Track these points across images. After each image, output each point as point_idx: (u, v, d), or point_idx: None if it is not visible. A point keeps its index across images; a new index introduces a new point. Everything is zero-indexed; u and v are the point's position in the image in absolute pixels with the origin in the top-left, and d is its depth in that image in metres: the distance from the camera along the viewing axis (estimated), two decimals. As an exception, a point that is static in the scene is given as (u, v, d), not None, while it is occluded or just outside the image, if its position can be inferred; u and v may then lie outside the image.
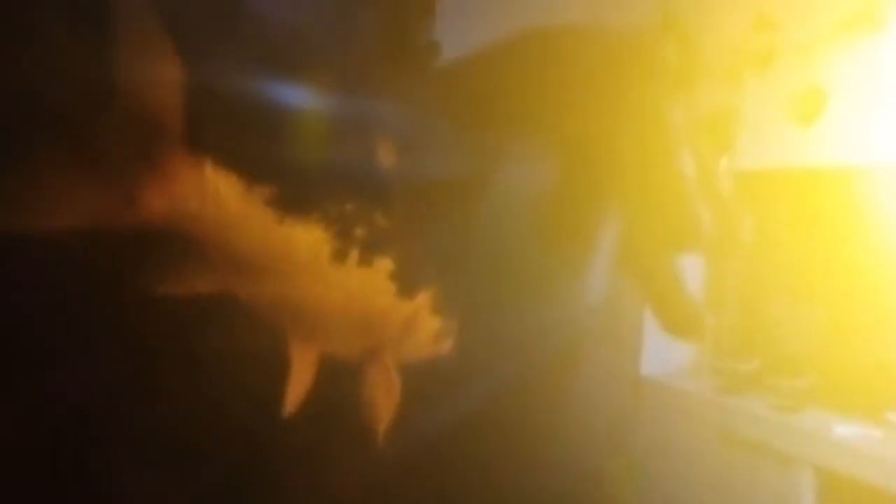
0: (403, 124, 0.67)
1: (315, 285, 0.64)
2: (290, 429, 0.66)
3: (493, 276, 0.71)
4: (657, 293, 0.77)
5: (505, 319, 0.73)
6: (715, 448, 1.41)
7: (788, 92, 1.46)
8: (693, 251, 0.65)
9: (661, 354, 1.57)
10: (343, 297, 0.66)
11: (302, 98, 0.61)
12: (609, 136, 0.70)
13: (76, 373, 0.59)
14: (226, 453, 0.66)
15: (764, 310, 1.46)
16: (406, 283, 0.64)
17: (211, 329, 0.63)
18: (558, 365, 0.77)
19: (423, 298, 0.68)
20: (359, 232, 0.61)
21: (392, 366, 0.69)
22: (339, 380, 0.65)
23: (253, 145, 0.56)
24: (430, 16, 0.78)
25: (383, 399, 0.71)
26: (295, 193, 0.58)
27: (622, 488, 0.87)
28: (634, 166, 0.70)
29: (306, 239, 0.61)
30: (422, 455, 0.70)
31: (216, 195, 0.56)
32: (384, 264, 0.64)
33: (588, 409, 0.81)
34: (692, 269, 1.49)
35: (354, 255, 0.61)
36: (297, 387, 0.68)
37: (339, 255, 0.61)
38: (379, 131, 0.66)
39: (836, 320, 1.36)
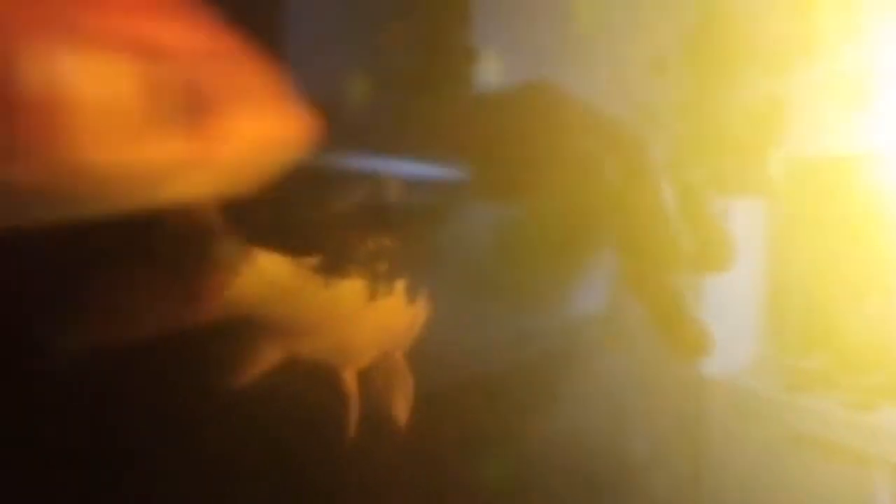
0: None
1: (356, 325, 0.68)
2: (353, 452, 0.68)
3: (479, 285, 0.74)
4: (657, 314, 0.80)
5: (490, 325, 0.76)
6: (785, 449, 1.36)
7: (837, 78, 1.42)
8: (681, 272, 0.67)
9: (724, 354, 1.53)
10: (375, 326, 0.70)
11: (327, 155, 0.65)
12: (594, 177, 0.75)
13: (177, 483, 0.63)
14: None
15: (829, 303, 1.40)
16: (413, 293, 0.67)
17: (279, 392, 0.67)
18: (550, 371, 0.80)
19: (422, 299, 0.71)
20: (381, 266, 0.64)
21: (404, 363, 0.73)
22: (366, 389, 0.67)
23: (287, 217, 0.59)
24: (465, 22, 0.81)
25: (402, 394, 0.74)
26: (333, 256, 0.61)
27: (628, 497, 0.86)
28: (619, 199, 0.75)
29: (349, 291, 0.65)
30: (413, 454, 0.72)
31: (271, 278, 0.60)
32: (400, 285, 0.67)
33: (585, 416, 0.81)
34: (753, 260, 1.46)
35: (382, 288, 0.65)
36: (354, 410, 0.72)
37: (372, 294, 0.64)
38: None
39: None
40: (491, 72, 0.83)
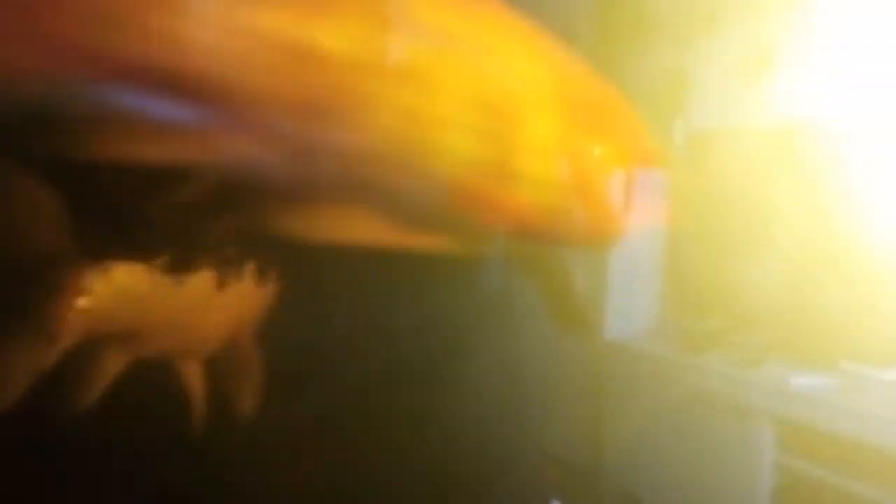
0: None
1: (204, 316, 0.69)
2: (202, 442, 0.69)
3: (373, 270, 0.74)
4: (547, 290, 0.82)
5: (385, 309, 0.77)
6: (680, 406, 1.45)
7: (736, 52, 1.48)
8: (573, 246, 0.69)
9: (624, 319, 1.61)
10: (223, 314, 0.70)
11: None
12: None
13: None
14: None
15: (723, 268, 1.49)
16: (262, 274, 0.67)
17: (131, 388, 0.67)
18: (445, 352, 0.81)
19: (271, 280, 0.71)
20: (229, 252, 0.64)
21: (252, 346, 0.74)
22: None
23: (131, 221, 0.57)
24: None
25: (248, 380, 0.75)
26: (180, 251, 0.61)
27: (532, 474, 0.90)
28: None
29: (199, 283, 0.65)
30: (299, 439, 0.74)
31: (125, 289, 0.59)
32: (251, 268, 0.67)
33: (480, 395, 0.84)
34: (654, 229, 1.53)
35: (232, 273, 0.65)
36: (197, 400, 0.72)
37: (222, 282, 0.64)
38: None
39: (791, 274, 1.40)
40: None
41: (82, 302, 0.58)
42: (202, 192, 0.67)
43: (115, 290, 0.61)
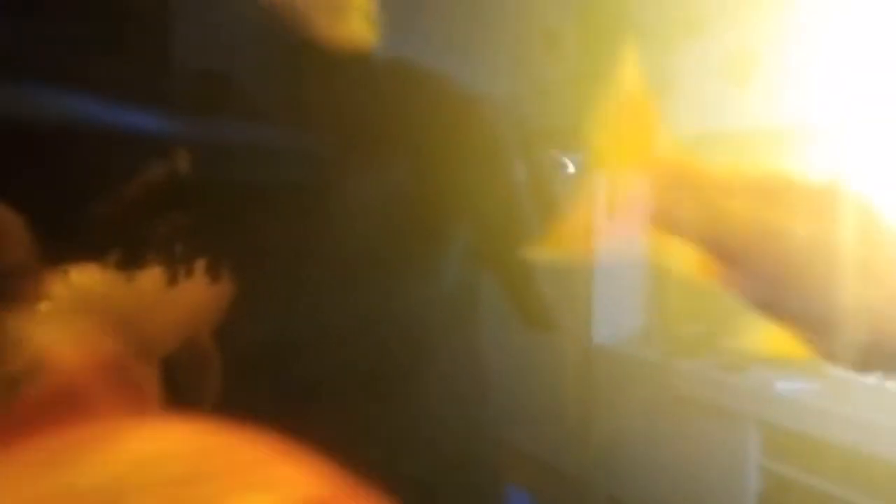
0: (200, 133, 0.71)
1: (155, 311, 0.69)
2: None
3: (338, 265, 0.74)
4: (509, 288, 0.82)
5: (350, 304, 0.77)
6: (666, 408, 1.46)
7: (721, 55, 1.48)
8: (531, 248, 0.69)
9: (612, 324, 1.61)
10: (176, 311, 0.70)
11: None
12: (452, 154, 0.76)
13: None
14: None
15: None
16: (217, 271, 0.67)
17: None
18: (407, 349, 0.81)
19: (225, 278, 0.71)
20: (177, 248, 0.64)
21: (210, 346, 0.73)
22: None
23: (82, 219, 0.57)
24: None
25: (206, 380, 0.75)
26: (128, 247, 0.60)
27: (492, 475, 0.89)
28: (474, 176, 0.77)
29: (148, 280, 0.65)
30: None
31: (82, 289, 0.59)
32: (201, 264, 0.67)
33: (443, 392, 0.83)
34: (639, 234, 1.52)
35: (181, 271, 0.65)
36: (151, 406, 0.71)
37: (172, 279, 0.64)
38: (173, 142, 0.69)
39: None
40: (381, 49, 0.81)
41: (44, 307, 0.58)
42: (149, 190, 0.67)
43: (72, 292, 0.60)
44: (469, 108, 0.81)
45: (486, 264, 0.83)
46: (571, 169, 1.45)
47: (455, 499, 0.84)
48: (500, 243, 0.81)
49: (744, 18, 1.45)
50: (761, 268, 0.54)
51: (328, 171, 0.74)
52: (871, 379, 1.34)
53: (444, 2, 1.39)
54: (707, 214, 0.54)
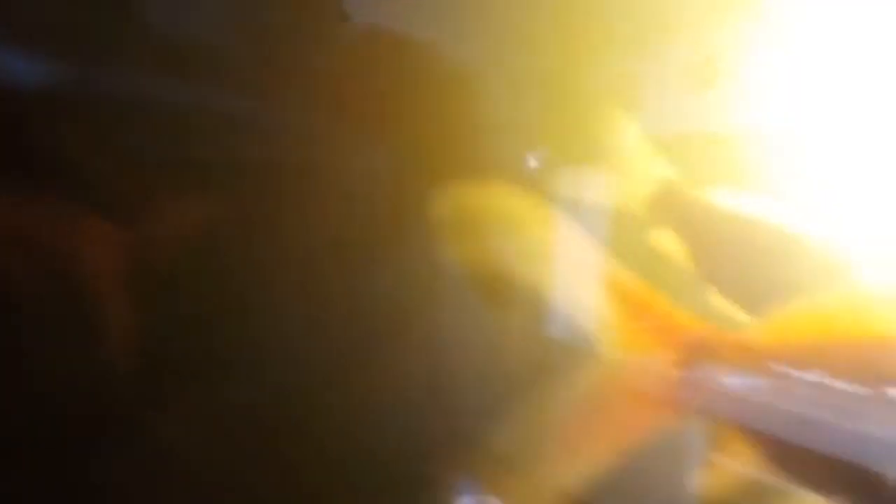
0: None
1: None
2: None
3: (315, 245, 0.74)
4: (472, 270, 0.84)
5: (312, 292, 0.77)
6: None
7: (687, 58, 1.51)
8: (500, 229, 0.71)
9: (568, 318, 1.63)
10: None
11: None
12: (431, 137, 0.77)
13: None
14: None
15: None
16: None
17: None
18: (366, 338, 0.82)
19: None
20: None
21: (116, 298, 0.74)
22: None
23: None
24: None
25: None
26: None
27: (444, 466, 0.91)
28: (450, 159, 0.77)
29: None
30: (215, 432, 0.73)
31: (109, 243, 0.59)
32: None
33: (396, 382, 0.85)
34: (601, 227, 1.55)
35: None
36: None
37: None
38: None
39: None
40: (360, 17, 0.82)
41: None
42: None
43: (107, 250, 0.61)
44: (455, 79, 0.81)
45: (452, 246, 0.84)
46: (534, 164, 1.48)
47: (406, 489, 0.85)
48: (467, 224, 0.82)
49: (711, 24, 1.50)
50: None
51: (301, 146, 0.75)
52: (813, 376, 1.38)
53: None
54: None
